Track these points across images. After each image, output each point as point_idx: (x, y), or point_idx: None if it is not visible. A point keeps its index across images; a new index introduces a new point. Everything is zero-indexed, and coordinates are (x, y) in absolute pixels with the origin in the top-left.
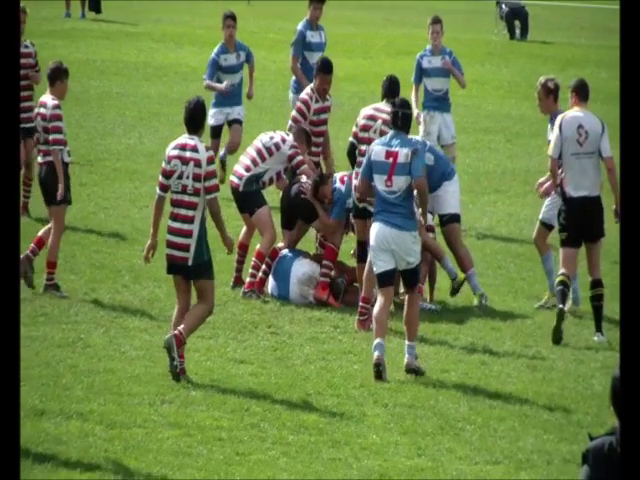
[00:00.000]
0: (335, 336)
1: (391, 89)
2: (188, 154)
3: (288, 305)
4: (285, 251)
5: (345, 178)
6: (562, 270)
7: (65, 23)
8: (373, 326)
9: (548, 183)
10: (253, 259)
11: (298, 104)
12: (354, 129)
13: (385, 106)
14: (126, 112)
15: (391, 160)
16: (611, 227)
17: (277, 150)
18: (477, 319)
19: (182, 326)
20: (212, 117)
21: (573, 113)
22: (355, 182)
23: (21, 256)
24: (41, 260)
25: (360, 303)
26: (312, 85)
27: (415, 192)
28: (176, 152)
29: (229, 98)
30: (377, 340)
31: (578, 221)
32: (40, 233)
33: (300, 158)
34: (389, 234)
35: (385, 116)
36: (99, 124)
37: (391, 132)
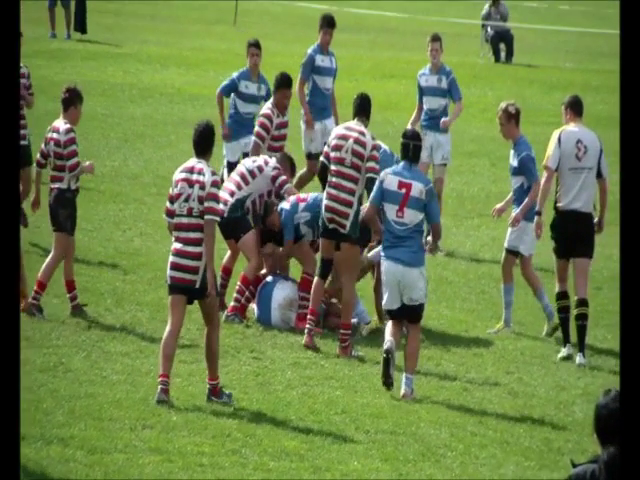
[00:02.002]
0: (317, 361)
1: (362, 107)
2: (194, 177)
3: (270, 330)
4: (268, 277)
5: (291, 199)
6: (557, 288)
7: (50, 44)
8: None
9: (517, 210)
10: (238, 284)
11: (261, 119)
12: (325, 149)
13: (356, 125)
14: (111, 133)
15: (404, 191)
16: (595, 254)
17: (260, 172)
18: (459, 345)
19: (208, 374)
20: (228, 151)
21: (571, 128)
22: (325, 202)
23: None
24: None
25: (341, 330)
26: (272, 100)
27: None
28: (183, 175)
29: (244, 127)
30: (388, 337)
31: (568, 234)
32: (64, 277)
33: (284, 177)
34: (395, 270)
35: (356, 135)
36: (83, 146)
37: (402, 163)
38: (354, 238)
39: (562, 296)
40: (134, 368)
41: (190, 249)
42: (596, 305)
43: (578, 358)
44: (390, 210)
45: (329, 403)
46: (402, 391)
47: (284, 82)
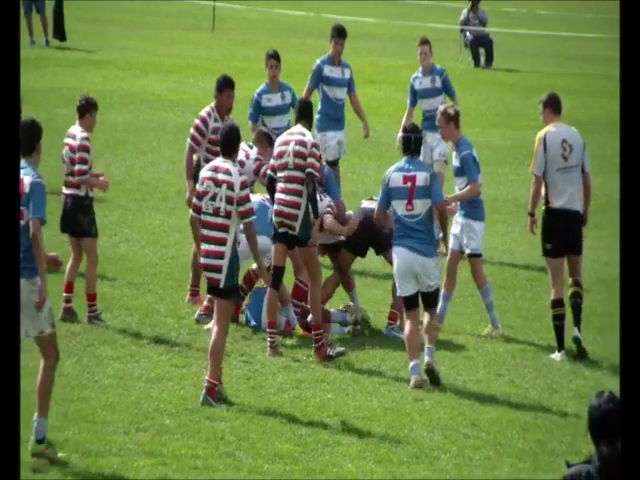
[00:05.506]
0: (308, 365)
1: (304, 112)
2: (221, 176)
3: (261, 333)
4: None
5: None
6: (553, 295)
7: (30, 51)
8: (406, 349)
9: (453, 204)
10: None
11: (196, 122)
12: (271, 161)
13: (299, 128)
14: (93, 140)
15: (409, 184)
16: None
17: (242, 167)
18: (450, 349)
19: (208, 372)
20: None
21: (553, 129)
22: (274, 208)
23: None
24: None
25: (312, 332)
26: (213, 104)
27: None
28: (209, 174)
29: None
30: (412, 363)
31: (561, 232)
32: (66, 278)
33: (265, 167)
34: (413, 259)
35: (298, 137)
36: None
37: (404, 158)
38: (306, 240)
39: (558, 303)
40: (125, 372)
41: (214, 248)
42: (584, 308)
43: (574, 331)
44: (399, 206)
45: (321, 406)
46: (425, 360)
47: (227, 83)
